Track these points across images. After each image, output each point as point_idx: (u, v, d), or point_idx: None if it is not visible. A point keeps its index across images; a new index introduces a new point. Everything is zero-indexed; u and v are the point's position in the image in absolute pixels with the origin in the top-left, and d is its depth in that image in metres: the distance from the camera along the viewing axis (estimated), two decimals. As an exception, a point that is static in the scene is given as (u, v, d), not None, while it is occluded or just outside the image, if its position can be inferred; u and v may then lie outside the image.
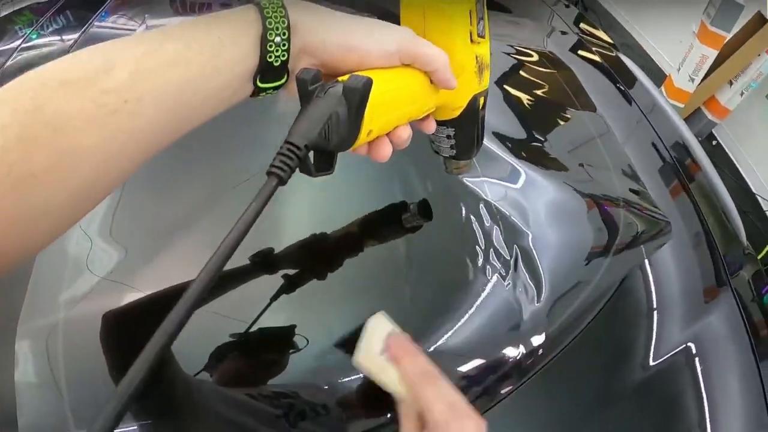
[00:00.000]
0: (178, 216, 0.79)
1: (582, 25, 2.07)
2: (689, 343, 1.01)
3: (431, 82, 0.52)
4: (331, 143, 0.43)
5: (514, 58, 1.40)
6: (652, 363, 0.97)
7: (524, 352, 0.80)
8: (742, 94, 3.34)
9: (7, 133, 0.32)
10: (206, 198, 0.81)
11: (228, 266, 0.35)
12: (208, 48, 0.40)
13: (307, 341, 0.70)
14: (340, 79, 0.44)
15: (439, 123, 0.62)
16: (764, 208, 3.27)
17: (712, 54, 3.24)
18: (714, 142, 3.72)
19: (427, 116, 0.59)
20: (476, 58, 0.55)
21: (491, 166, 0.96)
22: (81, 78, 0.34)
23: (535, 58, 1.44)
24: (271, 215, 0.81)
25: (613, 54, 1.76)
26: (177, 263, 0.74)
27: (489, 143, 0.98)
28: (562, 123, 1.25)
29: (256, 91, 0.45)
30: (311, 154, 0.43)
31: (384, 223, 0.84)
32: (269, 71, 0.44)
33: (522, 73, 1.35)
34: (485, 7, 0.54)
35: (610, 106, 1.41)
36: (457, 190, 0.92)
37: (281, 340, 0.72)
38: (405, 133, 0.52)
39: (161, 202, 0.81)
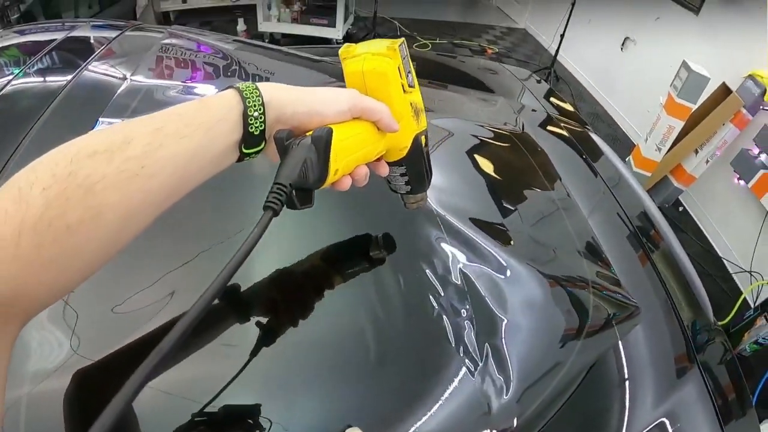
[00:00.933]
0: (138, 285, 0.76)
1: (552, 99, 2.18)
2: (663, 419, 1.03)
3: (378, 128, 0.66)
4: (308, 181, 0.56)
5: (482, 137, 1.44)
6: None
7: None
8: (707, 162, 3.48)
9: (49, 193, 0.41)
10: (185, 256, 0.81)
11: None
12: (203, 125, 0.51)
13: (271, 423, 0.69)
14: (308, 133, 0.57)
15: (392, 164, 0.75)
16: (731, 271, 3.38)
17: (679, 124, 3.40)
18: (681, 208, 3.85)
19: (380, 159, 0.73)
20: (411, 104, 0.69)
21: (463, 249, 0.98)
22: (107, 149, 0.44)
23: (504, 135, 1.51)
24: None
25: (581, 129, 1.84)
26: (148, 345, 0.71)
27: (461, 226, 1.01)
28: (528, 200, 1.26)
29: (241, 157, 0.57)
30: (294, 192, 0.56)
31: (350, 256, 0.92)
32: (251, 139, 0.55)
33: (488, 151, 1.40)
34: (410, 61, 0.68)
35: (577, 180, 1.48)
36: (429, 282, 0.91)
37: (244, 422, 0.70)
38: (363, 171, 0.66)
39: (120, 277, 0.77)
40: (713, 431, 1.06)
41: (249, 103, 0.54)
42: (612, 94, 5.10)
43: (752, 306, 2.85)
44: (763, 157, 3.07)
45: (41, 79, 1.12)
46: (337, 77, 1.46)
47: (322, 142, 0.56)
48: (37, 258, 0.40)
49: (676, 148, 3.54)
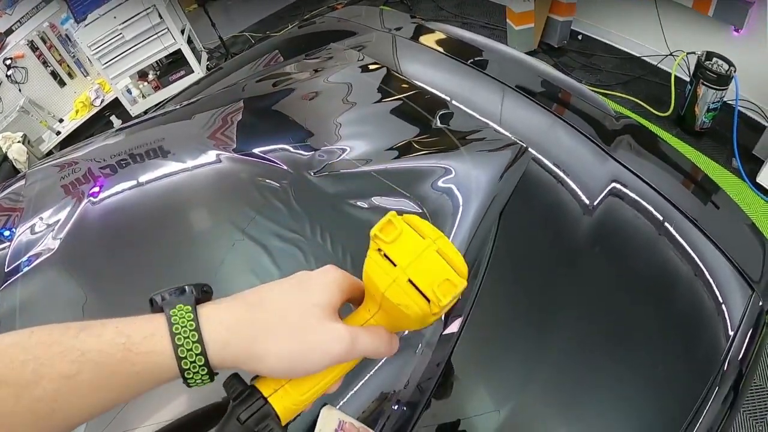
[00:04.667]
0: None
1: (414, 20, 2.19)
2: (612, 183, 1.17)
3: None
4: None
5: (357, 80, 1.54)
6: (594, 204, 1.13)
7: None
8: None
9: None
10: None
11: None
12: (124, 380, 0.44)
13: None
14: (263, 390, 0.49)
15: None
16: (655, 63, 3.43)
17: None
18: (579, 37, 3.89)
19: None
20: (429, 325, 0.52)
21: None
22: (15, 383, 0.41)
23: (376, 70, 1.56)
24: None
25: (445, 36, 1.87)
26: None
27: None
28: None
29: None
30: None
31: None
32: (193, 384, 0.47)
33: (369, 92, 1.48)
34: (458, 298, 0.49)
35: (462, 79, 1.54)
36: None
37: None
38: (334, 388, 0.54)
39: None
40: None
41: (186, 363, 0.45)
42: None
43: (688, 81, 2.90)
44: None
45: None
46: (219, 104, 1.48)
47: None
48: None
49: (542, -14, 3.53)
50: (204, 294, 0.50)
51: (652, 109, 3.15)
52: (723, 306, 1.01)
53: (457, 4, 4.94)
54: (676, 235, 1.09)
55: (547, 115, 1.37)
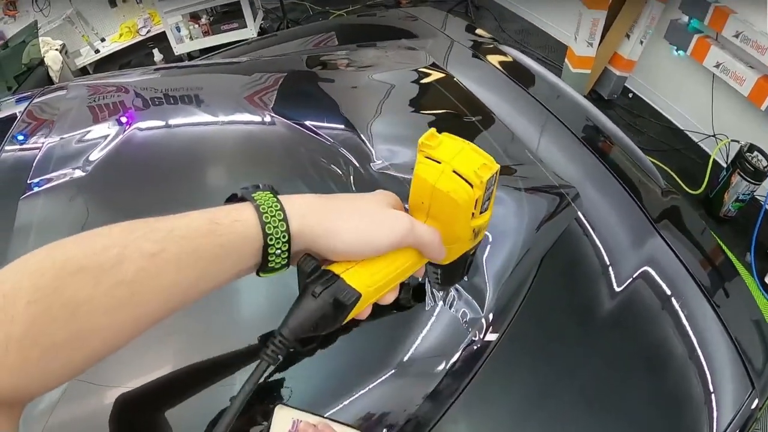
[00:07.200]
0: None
1: (477, 32, 2.17)
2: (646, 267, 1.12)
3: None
4: (317, 331, 0.52)
5: (415, 83, 1.51)
6: (618, 289, 1.08)
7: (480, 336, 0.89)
8: (641, 42, 3.48)
9: (34, 309, 0.39)
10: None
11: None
12: (210, 254, 0.45)
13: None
14: (336, 270, 0.52)
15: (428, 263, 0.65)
16: (696, 140, 3.42)
17: (602, 15, 3.39)
18: (630, 95, 3.88)
19: None
20: (473, 229, 0.57)
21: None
22: (95, 267, 0.41)
23: (428, 83, 1.53)
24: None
25: (505, 55, 1.84)
26: (142, 356, 0.77)
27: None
28: (465, 133, 1.29)
29: (257, 275, 0.51)
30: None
31: None
32: (270, 270, 0.50)
33: (416, 103, 1.44)
34: (495, 190, 0.57)
35: (510, 103, 1.51)
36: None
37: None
38: (391, 297, 0.58)
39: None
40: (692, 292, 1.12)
41: (271, 239, 0.47)
42: (533, 7, 5.06)
43: (724, 167, 2.89)
44: (693, 22, 3.09)
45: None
46: (264, 70, 1.47)
47: (345, 308, 0.51)
48: (25, 367, 0.40)
49: (607, 38, 3.55)
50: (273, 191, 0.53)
51: (683, 184, 3.13)
52: (720, 397, 1.00)
53: (520, 30, 4.94)
54: (692, 318, 1.07)
55: (601, 170, 1.33)
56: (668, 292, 1.10)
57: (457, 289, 0.91)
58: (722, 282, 1.21)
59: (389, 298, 0.58)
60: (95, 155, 1.05)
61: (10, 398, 0.41)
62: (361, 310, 0.55)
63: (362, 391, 0.78)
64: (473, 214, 0.55)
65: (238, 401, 0.46)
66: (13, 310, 0.38)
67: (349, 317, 0.53)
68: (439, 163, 0.53)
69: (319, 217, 0.51)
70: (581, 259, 1.12)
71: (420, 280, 0.82)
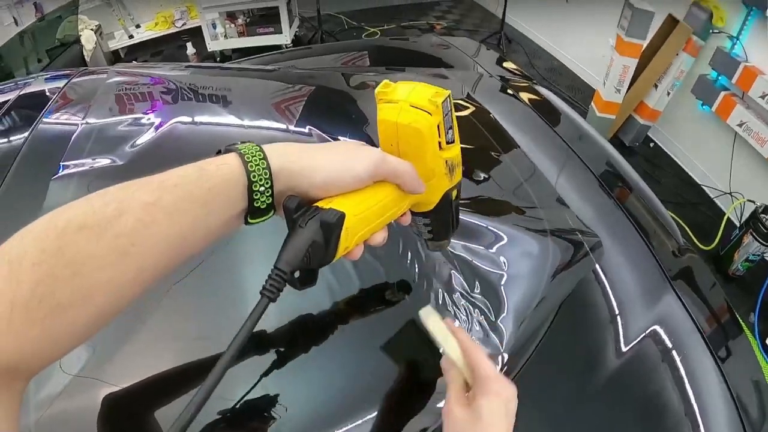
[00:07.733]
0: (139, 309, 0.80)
1: (505, 65, 2.20)
2: (655, 326, 1.11)
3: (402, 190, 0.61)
4: (312, 264, 0.53)
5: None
6: (624, 349, 1.06)
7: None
8: (668, 94, 3.51)
9: (39, 270, 0.40)
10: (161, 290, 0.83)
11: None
12: (200, 198, 0.48)
13: (286, 409, 0.75)
14: (319, 204, 0.55)
15: (415, 214, 0.70)
16: (711, 196, 3.42)
17: (633, 63, 3.42)
18: (652, 144, 3.89)
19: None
20: (446, 162, 0.62)
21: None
22: (97, 223, 0.43)
23: (466, 110, 1.54)
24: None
25: (535, 92, 1.86)
26: (143, 355, 0.77)
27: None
28: (496, 168, 1.31)
29: (246, 223, 0.54)
30: (297, 272, 0.53)
31: (369, 300, 0.91)
32: (257, 212, 0.53)
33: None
34: (454, 116, 0.61)
35: (536, 141, 1.52)
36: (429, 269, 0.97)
37: (264, 412, 0.75)
38: (380, 237, 0.61)
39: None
40: (700, 351, 1.11)
41: (254, 176, 0.51)
42: (564, 46, 5.12)
43: (737, 225, 2.89)
44: (721, 79, 3.11)
45: (5, 139, 1.14)
46: (294, 81, 1.49)
47: (332, 228, 0.52)
48: (30, 332, 0.40)
49: (635, 86, 3.56)
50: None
51: (695, 239, 3.13)
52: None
53: (550, 68, 4.97)
54: (695, 377, 1.05)
55: (623, 222, 1.33)
56: (677, 357, 1.08)
57: (480, 324, 0.91)
58: (727, 340, 1.20)
59: (378, 239, 0.61)
60: (132, 145, 1.07)
61: (15, 366, 0.41)
62: (351, 249, 0.58)
63: (359, 422, 0.78)
64: (440, 143, 0.60)
65: (239, 339, 0.47)
66: (20, 273, 0.40)
67: (341, 250, 0.55)
68: (396, 103, 0.59)
69: (297, 155, 0.56)
70: (593, 311, 1.12)
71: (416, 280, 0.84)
